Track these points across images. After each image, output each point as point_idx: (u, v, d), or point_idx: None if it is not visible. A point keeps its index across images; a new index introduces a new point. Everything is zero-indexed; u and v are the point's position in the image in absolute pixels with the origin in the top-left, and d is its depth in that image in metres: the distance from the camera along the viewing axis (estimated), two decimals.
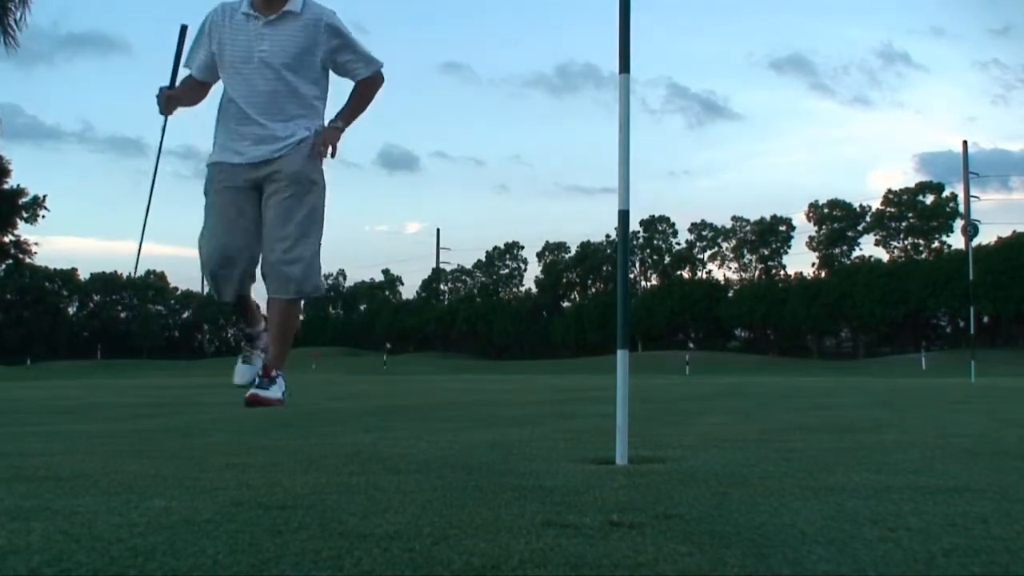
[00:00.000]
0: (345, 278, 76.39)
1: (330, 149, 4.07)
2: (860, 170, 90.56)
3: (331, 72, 4.25)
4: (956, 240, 48.96)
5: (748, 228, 58.08)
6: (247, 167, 4.10)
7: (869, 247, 54.10)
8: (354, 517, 1.34)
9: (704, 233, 60.04)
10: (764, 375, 21.98)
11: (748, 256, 58.44)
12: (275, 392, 4.27)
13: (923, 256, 50.35)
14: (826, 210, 55.06)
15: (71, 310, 67.85)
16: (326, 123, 4.21)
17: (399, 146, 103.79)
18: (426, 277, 69.32)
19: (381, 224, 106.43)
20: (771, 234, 57.23)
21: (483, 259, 67.44)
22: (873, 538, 1.21)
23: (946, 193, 50.81)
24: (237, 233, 4.10)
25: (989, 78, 77.95)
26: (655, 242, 60.60)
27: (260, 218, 4.16)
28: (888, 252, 52.92)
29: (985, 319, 42.23)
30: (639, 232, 59.73)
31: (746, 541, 1.19)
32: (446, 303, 65.63)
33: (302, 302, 4.30)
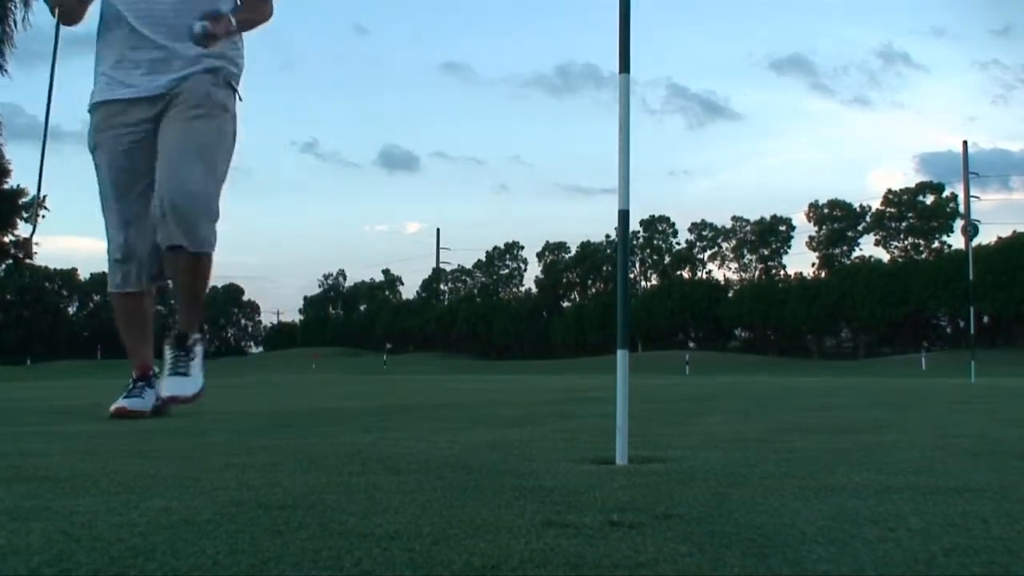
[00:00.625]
0: (345, 278, 76.45)
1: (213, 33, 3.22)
2: (860, 170, 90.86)
3: None
4: (956, 240, 49.04)
5: (748, 228, 58.11)
6: (142, 104, 3.27)
7: (869, 247, 54.19)
8: (354, 517, 1.34)
9: (704, 233, 60.08)
10: (764, 375, 21.96)
11: (748, 256, 58.46)
12: (196, 382, 3.44)
13: (923, 256, 50.36)
14: (826, 210, 55.07)
15: (71, 310, 67.84)
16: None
17: (399, 146, 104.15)
18: (426, 277, 69.46)
19: (381, 224, 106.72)
20: (771, 234, 57.24)
21: (483, 259, 67.47)
22: (873, 538, 1.21)
23: (946, 193, 50.88)
24: (143, 216, 3.35)
25: (989, 78, 78.12)
26: (655, 242, 60.62)
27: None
28: (888, 252, 52.94)
29: (985, 319, 42.23)
30: (639, 232, 59.76)
31: (746, 541, 1.19)
32: (446, 303, 65.64)
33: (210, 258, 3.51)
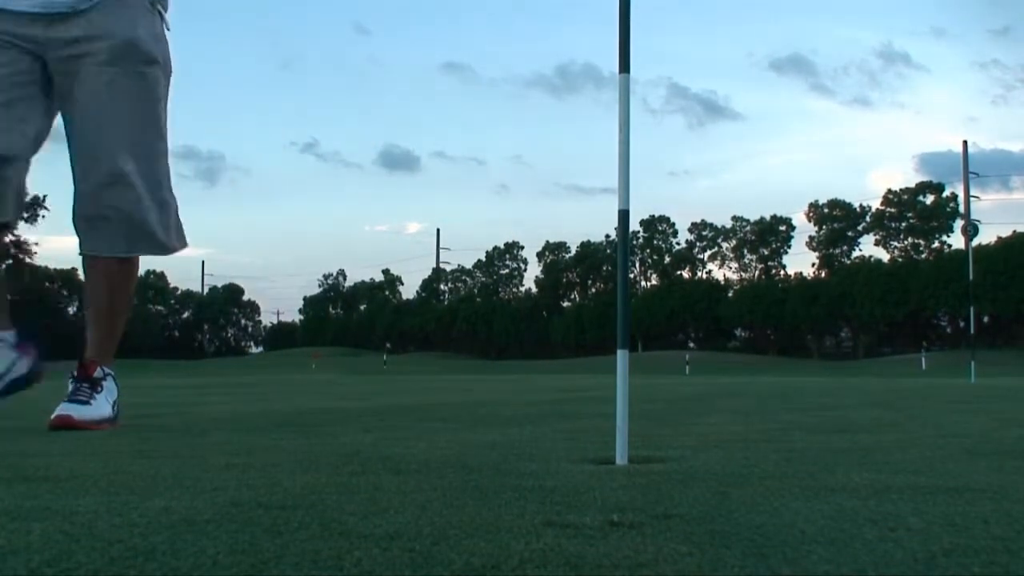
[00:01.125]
0: (345, 278, 76.44)
1: None
2: (860, 170, 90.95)
3: None
4: (956, 240, 49.08)
5: (748, 228, 58.12)
6: (33, 20, 2.50)
7: (869, 247, 54.24)
8: (354, 517, 1.34)
9: (704, 233, 60.09)
10: (764, 375, 21.97)
11: (748, 256, 58.43)
12: (100, 409, 2.80)
13: (923, 256, 50.36)
14: (826, 210, 55.10)
15: (71, 310, 67.81)
16: None
17: (399, 146, 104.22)
18: (426, 277, 69.41)
19: (381, 224, 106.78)
20: (771, 234, 57.25)
21: (483, 259, 67.44)
22: (873, 538, 1.21)
23: (946, 193, 50.91)
24: (11, 127, 2.50)
25: (989, 78, 78.09)
26: (655, 242, 60.61)
27: (40, 109, 2.57)
28: (888, 252, 52.94)
29: (985, 319, 42.25)
30: (639, 232, 59.75)
31: (746, 541, 1.19)
32: (446, 303, 65.60)
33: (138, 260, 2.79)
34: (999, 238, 44.45)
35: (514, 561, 1.07)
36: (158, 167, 2.62)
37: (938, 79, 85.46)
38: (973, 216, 21.87)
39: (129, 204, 2.55)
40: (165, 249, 2.70)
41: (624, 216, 2.15)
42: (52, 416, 2.75)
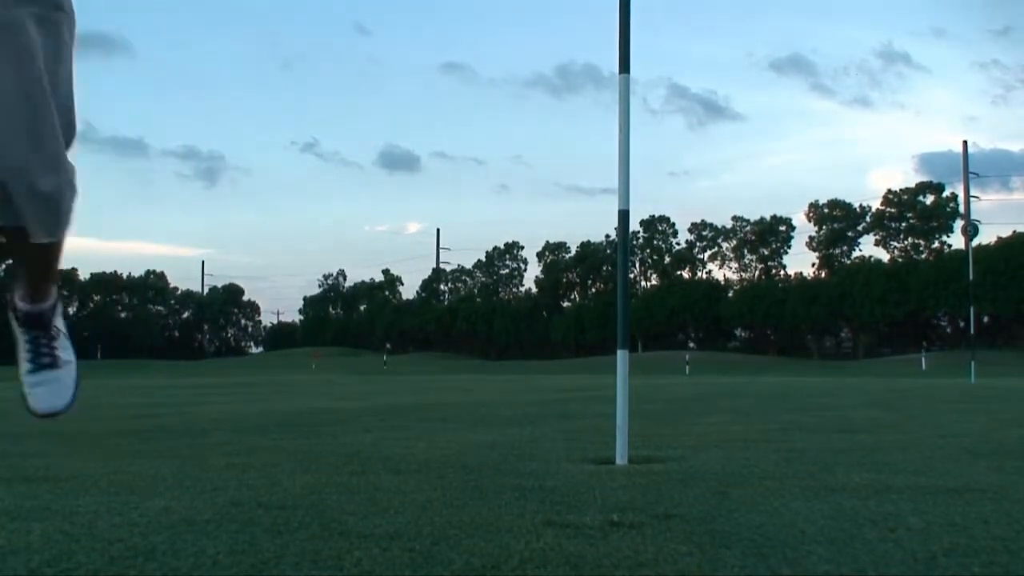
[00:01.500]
0: (345, 278, 76.34)
1: None
2: (860, 170, 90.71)
3: None
4: (956, 240, 48.99)
5: (748, 228, 58.02)
6: None
7: (869, 247, 54.09)
8: (354, 517, 1.34)
9: (704, 233, 59.97)
10: (764, 375, 21.97)
11: (748, 256, 58.34)
12: (66, 371, 2.80)
13: (923, 256, 50.29)
14: (826, 210, 55.00)
15: (71, 310, 67.85)
16: None
17: (399, 146, 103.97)
18: (426, 277, 69.28)
19: (381, 224, 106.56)
20: (771, 234, 57.16)
21: (483, 259, 67.35)
22: (873, 538, 1.22)
23: (946, 193, 50.81)
24: None
25: (989, 78, 77.91)
26: (655, 242, 60.51)
27: None
28: (888, 252, 52.85)
29: (985, 319, 42.21)
30: (639, 232, 59.64)
31: (746, 541, 1.20)
32: (446, 303, 65.53)
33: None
34: (999, 238, 44.38)
35: (514, 561, 1.07)
36: (71, 134, 2.34)
37: (938, 79, 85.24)
38: (973, 216, 21.87)
39: (61, 186, 2.28)
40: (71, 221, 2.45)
41: (624, 216, 2.15)
42: (37, 410, 2.56)
